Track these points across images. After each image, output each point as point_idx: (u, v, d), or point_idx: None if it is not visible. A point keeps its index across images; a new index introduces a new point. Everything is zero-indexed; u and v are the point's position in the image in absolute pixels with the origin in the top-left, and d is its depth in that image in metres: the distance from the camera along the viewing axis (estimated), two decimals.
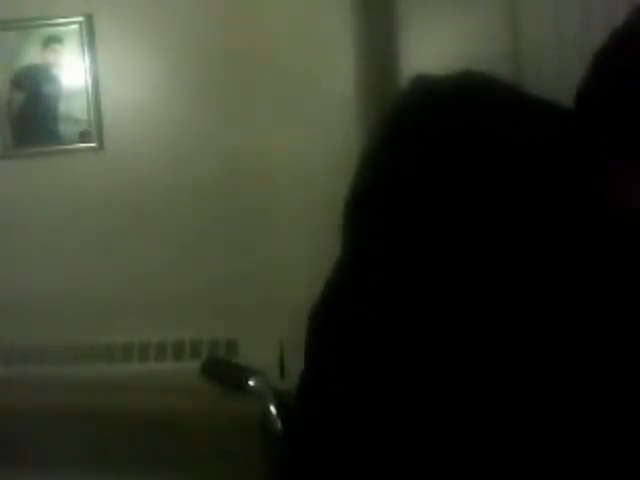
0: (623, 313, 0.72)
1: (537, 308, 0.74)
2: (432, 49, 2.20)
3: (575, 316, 0.73)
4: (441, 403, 0.76)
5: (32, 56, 2.42)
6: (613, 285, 0.73)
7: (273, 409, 1.24)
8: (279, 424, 1.22)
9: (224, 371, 1.48)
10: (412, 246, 0.79)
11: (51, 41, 2.41)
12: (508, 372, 0.74)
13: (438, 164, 0.80)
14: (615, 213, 0.74)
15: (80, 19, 2.38)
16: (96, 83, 2.41)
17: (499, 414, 0.74)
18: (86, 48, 2.39)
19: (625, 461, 0.72)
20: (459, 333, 0.75)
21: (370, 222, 0.84)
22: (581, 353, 0.73)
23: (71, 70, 2.41)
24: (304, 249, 2.18)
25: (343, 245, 0.89)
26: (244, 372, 1.37)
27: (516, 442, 0.73)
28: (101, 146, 2.43)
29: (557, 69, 1.97)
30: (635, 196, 0.74)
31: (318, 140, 2.15)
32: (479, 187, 0.77)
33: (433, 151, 0.80)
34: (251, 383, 1.31)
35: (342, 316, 0.84)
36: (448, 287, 0.77)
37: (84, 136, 2.43)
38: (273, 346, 2.27)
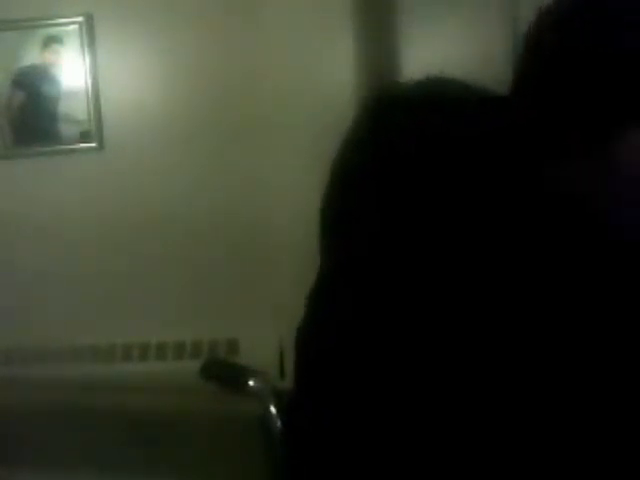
0: (606, 310, 0.73)
1: (522, 304, 0.74)
2: (432, 51, 2.20)
3: (559, 309, 0.73)
4: (435, 406, 0.76)
5: (32, 56, 2.42)
6: (597, 282, 0.73)
7: (273, 409, 1.24)
8: (279, 424, 1.22)
9: (224, 371, 1.48)
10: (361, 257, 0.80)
11: (51, 41, 2.41)
12: (499, 373, 0.74)
13: (410, 165, 0.81)
14: (568, 198, 0.75)
15: (80, 19, 2.38)
16: (96, 83, 2.41)
17: (497, 415, 0.74)
18: (86, 48, 2.39)
19: (625, 461, 0.72)
20: (442, 336, 0.75)
21: (338, 233, 0.86)
22: (567, 349, 0.73)
23: (71, 70, 2.41)
24: (304, 249, 2.18)
25: (322, 252, 0.90)
26: (244, 372, 1.37)
27: (516, 442, 0.74)
28: (101, 146, 2.43)
29: None
30: (599, 195, 0.75)
31: (317, 142, 2.15)
32: (455, 187, 0.78)
33: (400, 154, 0.81)
34: (251, 383, 1.32)
35: (328, 327, 0.84)
36: (424, 289, 0.77)
37: (84, 136, 2.43)
38: (273, 346, 2.27)
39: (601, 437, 0.72)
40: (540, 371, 0.73)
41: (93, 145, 2.43)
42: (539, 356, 0.73)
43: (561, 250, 0.74)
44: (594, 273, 0.73)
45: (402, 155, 0.81)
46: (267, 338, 2.28)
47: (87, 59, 2.40)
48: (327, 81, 2.18)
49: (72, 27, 2.39)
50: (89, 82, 2.40)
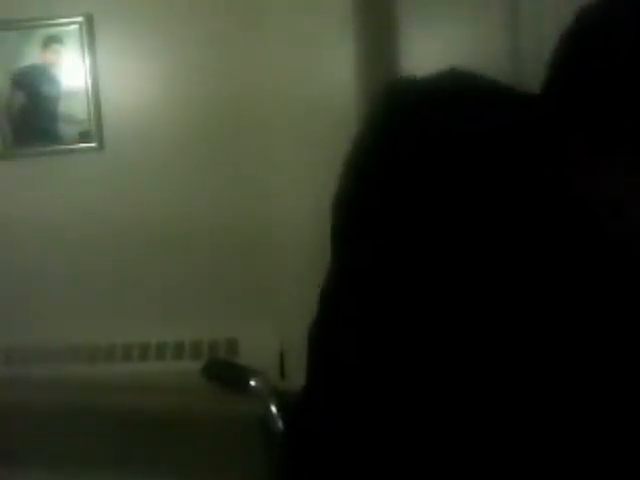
0: (609, 311, 0.72)
1: (526, 308, 0.74)
2: (432, 50, 2.20)
3: (561, 314, 0.73)
4: (440, 410, 0.76)
5: (32, 56, 2.42)
6: (599, 285, 0.73)
7: (273, 409, 1.24)
8: (279, 424, 1.22)
9: (225, 371, 1.48)
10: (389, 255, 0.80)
11: (51, 41, 2.41)
12: (502, 373, 0.74)
13: (416, 168, 0.80)
14: (600, 214, 0.75)
15: (80, 19, 2.38)
16: (96, 83, 2.41)
17: (497, 416, 0.74)
18: (86, 48, 2.39)
19: (625, 461, 0.72)
20: (452, 338, 0.75)
21: (354, 230, 0.86)
22: (570, 352, 0.73)
23: (71, 70, 2.41)
24: (305, 249, 2.18)
25: (333, 249, 0.90)
26: (244, 372, 1.37)
27: (516, 442, 0.74)
28: (101, 146, 2.43)
29: None
30: (621, 197, 0.74)
31: (318, 143, 2.15)
32: (460, 190, 0.77)
33: (406, 156, 0.81)
34: (251, 383, 1.32)
35: (341, 324, 0.84)
36: (428, 292, 0.77)
37: (84, 136, 2.43)
38: (273, 346, 2.27)
39: (601, 437, 0.72)
40: (542, 372, 0.73)
41: (93, 145, 2.43)
42: (544, 358, 0.73)
43: (564, 251, 0.74)
44: (598, 275, 0.73)
45: (409, 156, 0.81)
46: (267, 338, 2.28)
47: (87, 59, 2.39)
48: (327, 82, 2.18)
49: (72, 27, 2.39)
50: (89, 82, 2.40)
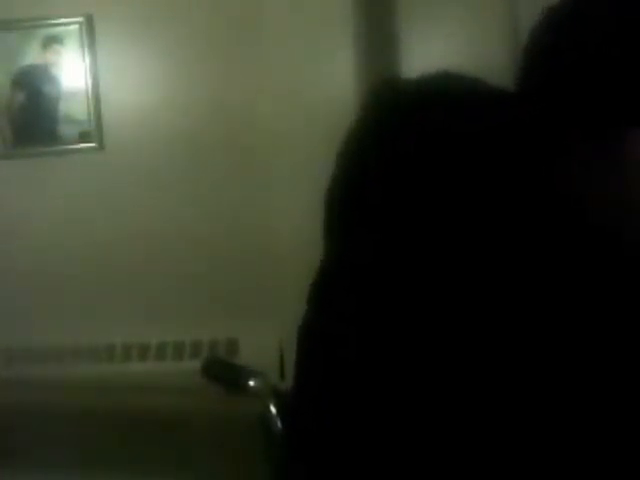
0: (608, 310, 0.73)
1: (525, 306, 0.74)
2: (432, 51, 2.20)
3: (561, 310, 0.73)
4: (437, 407, 0.76)
5: (32, 56, 2.43)
6: (598, 283, 0.73)
7: (273, 409, 1.24)
8: (279, 424, 1.22)
9: (224, 371, 1.48)
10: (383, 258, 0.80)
11: (51, 41, 2.42)
12: (501, 370, 0.74)
13: (416, 166, 0.80)
14: (580, 211, 0.75)
15: (80, 19, 2.39)
16: (96, 83, 2.41)
17: (497, 415, 0.74)
18: (86, 48, 2.39)
19: (625, 461, 0.72)
20: (453, 335, 0.75)
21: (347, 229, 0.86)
22: (570, 351, 0.73)
23: (71, 70, 2.41)
24: (304, 249, 2.18)
25: (326, 243, 0.90)
26: (244, 372, 1.37)
27: (516, 442, 0.74)
28: (101, 146, 2.43)
29: None
30: (599, 195, 0.75)
31: (317, 147, 2.14)
32: (460, 188, 0.78)
33: (406, 154, 0.81)
34: (251, 383, 1.32)
35: (334, 322, 0.84)
36: (426, 290, 0.77)
37: (84, 136, 2.43)
38: (273, 346, 2.27)
39: (601, 437, 0.72)
40: (541, 372, 0.73)
41: (93, 145, 2.43)
42: (542, 358, 0.73)
43: (560, 249, 0.74)
44: (594, 272, 0.73)
45: (403, 153, 0.81)
46: (267, 338, 2.28)
47: (87, 59, 2.40)
48: (327, 83, 2.18)
49: (72, 27, 2.39)
50: (89, 82, 2.40)
